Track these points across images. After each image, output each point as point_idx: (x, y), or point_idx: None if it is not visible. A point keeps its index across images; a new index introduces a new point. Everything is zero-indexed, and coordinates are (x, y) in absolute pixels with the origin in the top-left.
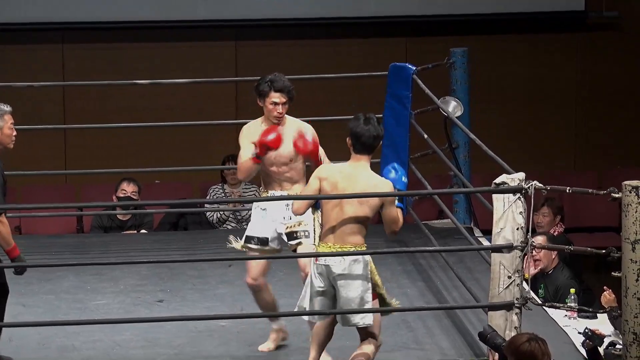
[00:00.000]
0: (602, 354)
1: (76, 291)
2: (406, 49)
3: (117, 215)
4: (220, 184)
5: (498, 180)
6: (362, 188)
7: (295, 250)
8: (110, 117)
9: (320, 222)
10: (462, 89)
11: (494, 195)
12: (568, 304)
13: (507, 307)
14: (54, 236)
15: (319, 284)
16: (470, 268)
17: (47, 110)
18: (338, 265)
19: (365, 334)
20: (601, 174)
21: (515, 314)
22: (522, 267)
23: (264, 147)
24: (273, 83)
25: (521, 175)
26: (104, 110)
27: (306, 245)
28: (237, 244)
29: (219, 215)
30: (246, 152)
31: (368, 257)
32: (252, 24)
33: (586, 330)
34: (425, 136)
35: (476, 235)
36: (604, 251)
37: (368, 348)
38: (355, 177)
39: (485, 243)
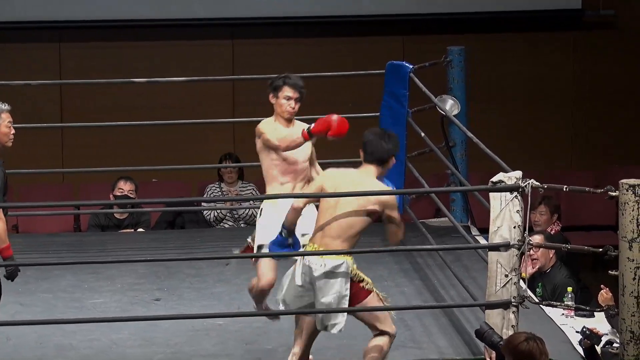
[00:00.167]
0: (599, 353)
1: (73, 290)
2: (403, 47)
3: (114, 214)
4: (217, 183)
5: (495, 178)
6: (358, 197)
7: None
8: (107, 116)
9: None
10: (459, 88)
11: (491, 194)
12: (565, 303)
13: (504, 305)
14: (52, 235)
15: (299, 282)
16: (467, 266)
17: (45, 109)
18: (319, 269)
19: (374, 327)
20: (598, 172)
21: (513, 312)
22: (520, 265)
23: (323, 131)
24: (287, 78)
25: (518, 173)
26: (101, 109)
27: None
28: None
29: (216, 213)
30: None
31: (351, 265)
32: (250, 23)
33: (584, 329)
34: (423, 135)
35: (473, 233)
36: (601, 250)
37: (381, 340)
38: (358, 184)
39: (483, 241)
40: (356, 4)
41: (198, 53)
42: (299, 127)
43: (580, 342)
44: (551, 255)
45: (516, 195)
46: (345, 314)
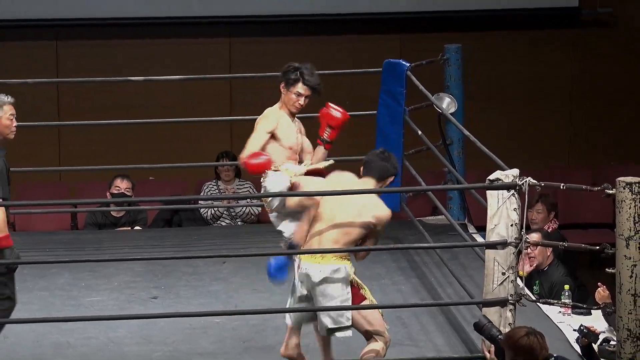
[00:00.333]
0: (596, 351)
1: (70, 288)
2: (400, 45)
3: (111, 212)
4: (214, 181)
5: (492, 176)
6: (354, 204)
7: None
8: (104, 114)
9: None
10: (456, 86)
11: (488, 192)
12: (562, 301)
13: (502, 303)
14: (49, 233)
15: (301, 291)
16: (464, 264)
17: (42, 107)
18: (317, 274)
19: (368, 333)
20: (595, 170)
21: (510, 310)
22: (517, 263)
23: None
24: (304, 75)
25: (515, 171)
26: (98, 108)
27: None
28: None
29: (213, 211)
30: (257, 141)
31: (350, 270)
32: (246, 21)
33: (581, 328)
34: (420, 133)
35: (470, 231)
36: (598, 247)
37: (377, 345)
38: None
39: (480, 239)
40: (354, 2)
41: (195, 51)
42: (298, 125)
43: (577, 340)
44: (548, 254)
45: (513, 193)
46: (349, 315)
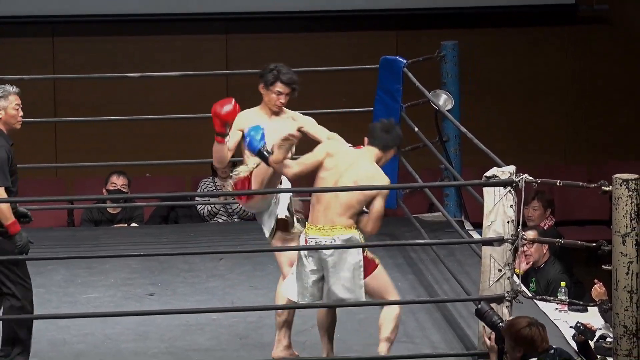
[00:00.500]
0: (592, 347)
1: (67, 285)
2: (397, 42)
3: (107, 209)
4: (211, 177)
5: (489, 173)
6: (359, 175)
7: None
8: (100, 111)
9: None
10: (453, 82)
11: (485, 189)
12: (559, 298)
13: (498, 300)
14: (45, 229)
15: (311, 266)
16: (460, 261)
17: (38, 103)
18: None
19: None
20: (592, 167)
21: (506, 307)
22: (513, 260)
23: (217, 120)
24: (280, 74)
25: (512, 168)
26: (94, 104)
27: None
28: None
29: (209, 208)
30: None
31: (360, 238)
32: (243, 17)
33: (577, 324)
34: (416, 129)
35: (467, 228)
36: (594, 244)
37: (393, 307)
38: (357, 163)
39: (476, 236)
40: None
41: (191, 48)
42: (286, 116)
43: (573, 337)
44: (545, 251)
45: (510, 190)
46: (362, 283)
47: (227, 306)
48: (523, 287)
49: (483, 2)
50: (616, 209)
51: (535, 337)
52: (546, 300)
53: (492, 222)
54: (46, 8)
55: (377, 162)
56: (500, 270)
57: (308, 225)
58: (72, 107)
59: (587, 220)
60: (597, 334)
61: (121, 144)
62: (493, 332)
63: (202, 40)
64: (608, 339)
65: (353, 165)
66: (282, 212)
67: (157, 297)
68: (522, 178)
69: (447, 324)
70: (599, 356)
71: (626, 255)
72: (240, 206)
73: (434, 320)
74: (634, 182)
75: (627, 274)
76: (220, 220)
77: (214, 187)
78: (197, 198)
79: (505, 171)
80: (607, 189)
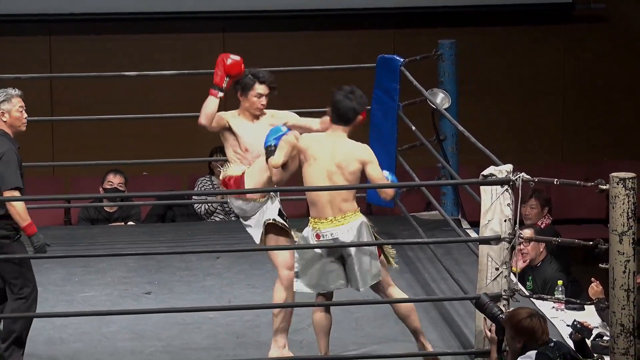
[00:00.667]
0: (589, 346)
1: (64, 283)
2: (394, 40)
3: (104, 207)
4: (208, 176)
5: (486, 172)
6: (342, 156)
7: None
8: (97, 109)
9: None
10: (450, 81)
11: (482, 187)
12: (556, 296)
13: (495, 298)
14: (42, 228)
15: (329, 259)
16: (458, 260)
17: (35, 102)
18: (346, 235)
19: (389, 285)
20: (589, 166)
21: (503, 305)
22: (510, 259)
23: (218, 71)
24: (258, 76)
25: (509, 167)
26: (91, 102)
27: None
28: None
29: (206, 207)
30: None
31: (367, 221)
32: (240, 16)
33: (574, 323)
34: (413, 128)
35: (464, 227)
36: (591, 243)
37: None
38: (333, 147)
39: (473, 235)
40: None
41: (189, 46)
42: (266, 116)
43: (570, 335)
44: (541, 249)
45: (507, 189)
46: (378, 261)
47: (224, 305)
48: (520, 286)
49: (480, 1)
50: (613, 208)
51: (536, 328)
52: (543, 299)
53: (489, 220)
54: (43, 6)
55: (348, 133)
56: (497, 269)
57: (316, 220)
58: (69, 106)
59: (584, 219)
60: (594, 332)
61: (118, 143)
62: (493, 324)
63: (200, 39)
64: (605, 338)
65: (331, 151)
66: (271, 216)
67: (154, 296)
68: (519, 177)
69: (444, 322)
70: (595, 354)
71: (623, 253)
72: None
73: (431, 318)
74: (631, 180)
75: (624, 272)
76: (217, 219)
77: (211, 186)
78: (194, 197)
79: (503, 170)
80: (604, 187)
